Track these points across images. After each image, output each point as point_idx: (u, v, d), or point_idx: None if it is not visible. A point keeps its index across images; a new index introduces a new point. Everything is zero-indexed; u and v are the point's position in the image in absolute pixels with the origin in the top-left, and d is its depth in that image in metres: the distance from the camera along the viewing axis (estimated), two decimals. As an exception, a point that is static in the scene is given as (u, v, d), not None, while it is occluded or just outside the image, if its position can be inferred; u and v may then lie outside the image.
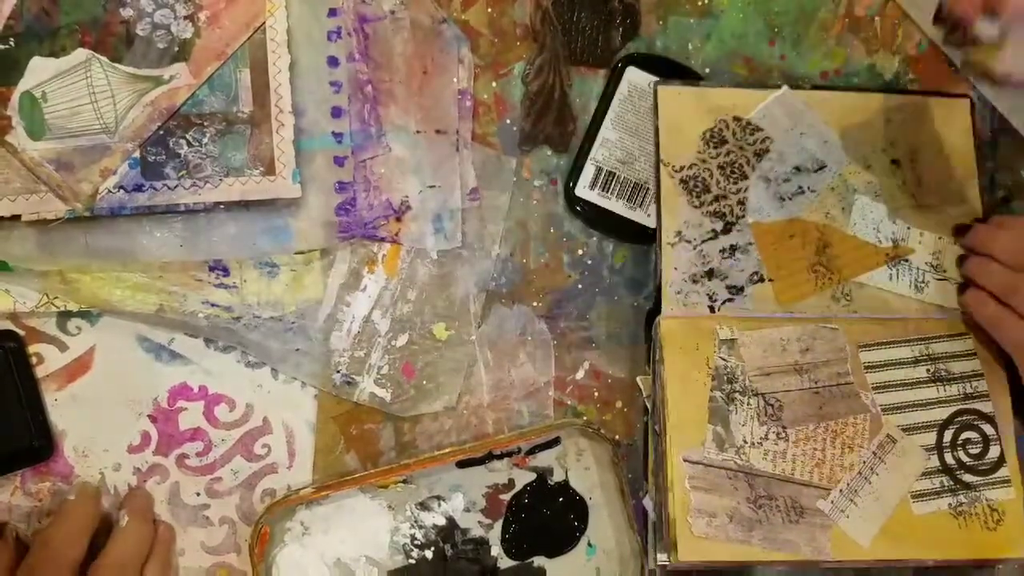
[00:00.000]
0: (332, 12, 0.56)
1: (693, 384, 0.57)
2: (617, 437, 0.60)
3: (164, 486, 0.57)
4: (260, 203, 0.55)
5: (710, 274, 0.58)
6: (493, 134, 0.59)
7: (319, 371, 0.57)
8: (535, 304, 0.59)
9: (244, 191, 0.54)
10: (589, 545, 0.58)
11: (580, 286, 0.60)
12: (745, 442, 0.56)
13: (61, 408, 0.56)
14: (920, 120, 0.60)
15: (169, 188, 0.54)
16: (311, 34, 0.56)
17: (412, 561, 0.57)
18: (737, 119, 0.59)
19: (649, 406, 0.58)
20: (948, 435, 0.58)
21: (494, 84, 0.59)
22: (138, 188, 0.54)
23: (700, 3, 0.60)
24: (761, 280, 0.58)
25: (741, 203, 0.58)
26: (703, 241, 0.58)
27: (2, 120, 0.53)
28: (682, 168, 0.58)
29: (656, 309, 0.58)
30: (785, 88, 0.59)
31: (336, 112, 0.56)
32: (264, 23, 0.55)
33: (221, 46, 0.54)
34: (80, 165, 0.53)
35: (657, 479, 0.57)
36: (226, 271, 0.56)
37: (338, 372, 0.57)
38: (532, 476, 0.58)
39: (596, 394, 0.60)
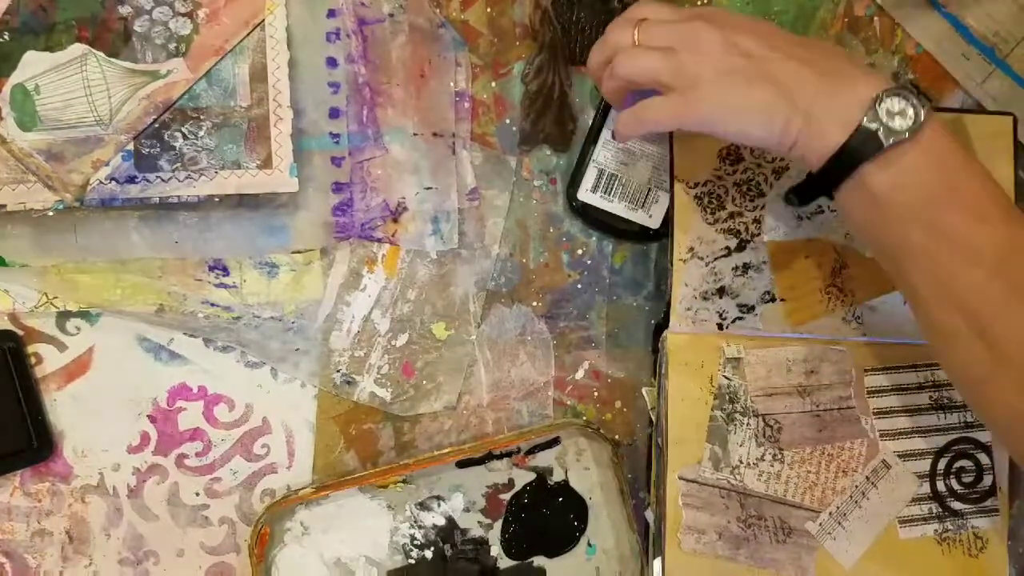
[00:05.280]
0: (331, 13, 0.56)
1: (695, 402, 0.57)
2: (617, 437, 0.60)
3: (164, 486, 0.57)
4: (258, 202, 0.55)
5: (721, 292, 0.57)
6: (492, 134, 0.59)
7: (319, 371, 0.57)
8: (535, 304, 0.59)
9: (240, 184, 0.54)
10: (589, 545, 0.58)
11: (580, 286, 0.60)
12: (741, 462, 0.56)
13: (60, 408, 0.56)
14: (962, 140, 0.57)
15: (163, 180, 0.54)
16: (310, 35, 0.56)
17: (412, 561, 0.57)
18: None
19: (653, 418, 0.58)
20: (943, 463, 0.58)
21: (494, 84, 0.59)
22: (131, 180, 0.54)
23: (699, 3, 0.60)
24: (773, 300, 0.58)
25: (757, 221, 0.57)
26: (716, 258, 0.57)
27: None
28: (697, 184, 0.57)
29: (664, 322, 0.58)
30: None
31: (334, 113, 0.56)
32: (263, 20, 0.55)
33: (220, 42, 0.54)
34: (71, 156, 0.53)
35: (658, 491, 0.57)
36: (226, 271, 0.56)
37: (338, 372, 0.57)
38: (532, 476, 0.58)
39: (596, 394, 0.60)
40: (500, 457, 0.58)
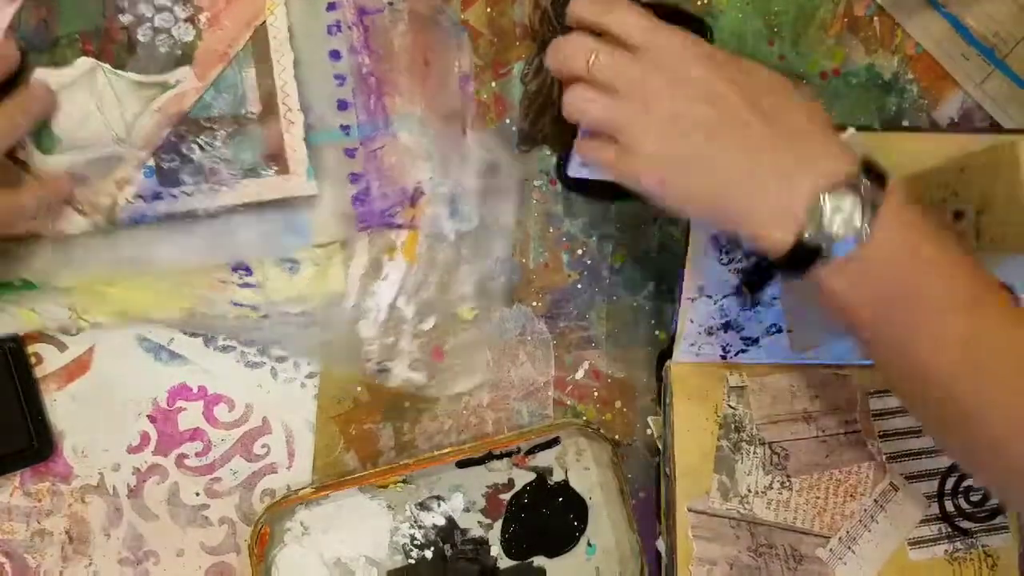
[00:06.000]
0: (331, 6, 0.56)
1: (701, 433, 0.56)
2: (617, 437, 0.60)
3: (163, 486, 0.57)
4: (277, 202, 0.55)
5: (726, 326, 0.57)
6: (493, 133, 0.59)
7: (351, 362, 0.57)
8: (535, 304, 0.59)
9: (260, 191, 0.54)
10: (589, 545, 0.58)
11: (580, 286, 0.60)
12: (749, 491, 0.56)
13: (60, 408, 0.56)
14: (1003, 165, 0.54)
15: (187, 194, 0.54)
16: (311, 29, 0.56)
17: (412, 561, 0.57)
18: None
19: (660, 447, 0.58)
20: (950, 483, 0.58)
21: (494, 84, 0.59)
22: (156, 196, 0.54)
23: (699, 3, 0.60)
24: (779, 331, 0.57)
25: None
26: (724, 296, 0.57)
27: None
28: None
29: (668, 352, 0.58)
30: (851, 131, 0.52)
31: (342, 105, 0.56)
32: (265, 21, 0.54)
33: (224, 47, 0.54)
34: (95, 177, 0.53)
35: (668, 521, 0.57)
36: (248, 270, 0.56)
37: (369, 361, 0.57)
38: (532, 476, 0.58)
39: (596, 394, 0.60)
40: (500, 457, 0.58)
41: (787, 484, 0.57)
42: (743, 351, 0.57)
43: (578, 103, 0.47)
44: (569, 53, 0.48)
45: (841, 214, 0.42)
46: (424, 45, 0.57)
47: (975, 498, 0.58)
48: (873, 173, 0.43)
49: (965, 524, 0.58)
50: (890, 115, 0.61)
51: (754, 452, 0.57)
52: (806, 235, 0.42)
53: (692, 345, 0.57)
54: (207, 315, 0.55)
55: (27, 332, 0.55)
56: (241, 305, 0.56)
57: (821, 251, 0.42)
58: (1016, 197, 0.54)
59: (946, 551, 0.58)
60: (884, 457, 0.58)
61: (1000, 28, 0.60)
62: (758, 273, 0.47)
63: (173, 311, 0.55)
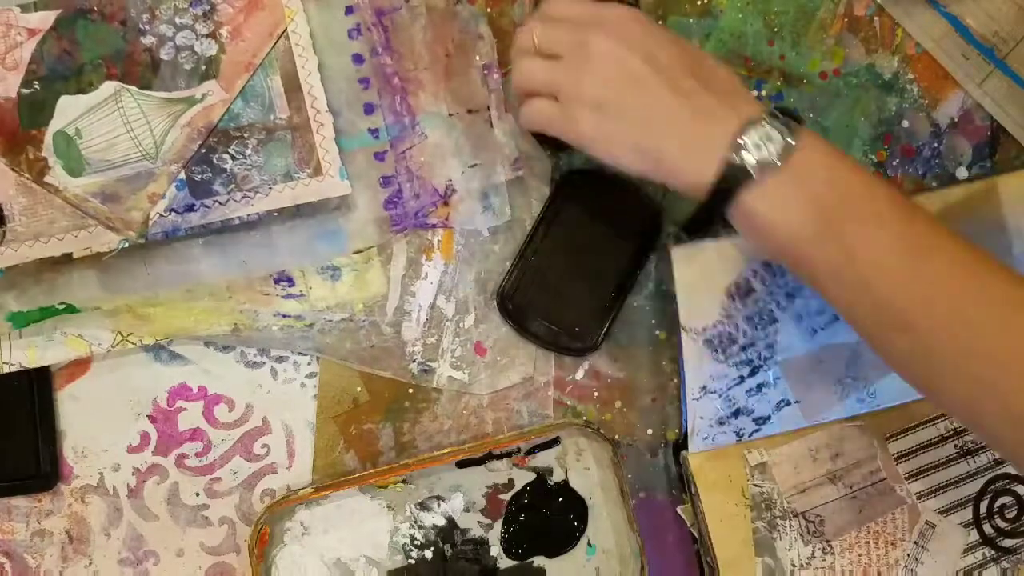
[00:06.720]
0: (349, 10, 0.56)
1: (734, 520, 0.56)
2: (617, 437, 0.60)
3: (163, 486, 0.57)
4: (314, 208, 0.55)
5: (736, 413, 0.57)
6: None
7: (396, 364, 0.57)
8: (535, 304, 0.59)
9: (295, 195, 0.54)
10: (589, 545, 0.58)
11: (580, 286, 0.60)
12: (794, 565, 0.56)
13: (61, 408, 0.56)
14: (982, 204, 0.56)
15: (220, 204, 0.54)
16: (332, 35, 0.56)
17: (412, 561, 0.57)
18: (767, 264, 0.56)
19: (695, 534, 0.58)
20: (984, 506, 0.58)
21: (494, 84, 0.59)
22: (190, 208, 0.54)
23: (700, 3, 0.60)
24: (788, 404, 0.57)
25: (770, 345, 0.57)
26: (729, 388, 0.57)
27: (38, 162, 0.53)
28: (705, 329, 0.56)
29: (681, 443, 0.58)
30: None
31: (368, 108, 0.56)
32: (286, 30, 0.54)
33: (248, 58, 0.54)
34: (126, 194, 0.53)
35: None
36: (291, 281, 0.56)
37: (414, 362, 0.58)
38: (532, 476, 0.58)
39: (596, 394, 0.60)
40: (500, 457, 0.58)
41: (828, 549, 0.57)
42: (757, 431, 0.57)
43: (523, 71, 0.51)
44: (520, 34, 0.51)
45: (762, 140, 0.45)
46: (445, 38, 0.57)
47: (1010, 515, 0.58)
48: (786, 113, 0.47)
49: (1007, 542, 0.58)
50: (890, 115, 0.61)
51: (789, 526, 0.57)
52: (731, 160, 0.45)
53: (706, 438, 0.57)
54: (253, 328, 0.55)
55: (75, 359, 0.55)
56: (286, 316, 0.56)
57: (745, 175, 0.45)
58: (999, 227, 0.56)
59: (999, 571, 0.58)
60: (915, 497, 0.57)
61: (1000, 28, 0.60)
62: (696, 220, 0.49)
63: (218, 327, 0.55)
